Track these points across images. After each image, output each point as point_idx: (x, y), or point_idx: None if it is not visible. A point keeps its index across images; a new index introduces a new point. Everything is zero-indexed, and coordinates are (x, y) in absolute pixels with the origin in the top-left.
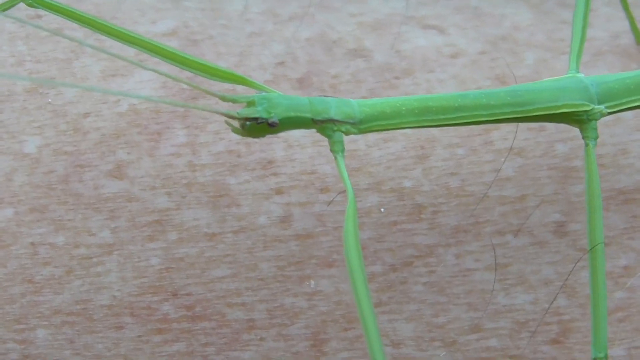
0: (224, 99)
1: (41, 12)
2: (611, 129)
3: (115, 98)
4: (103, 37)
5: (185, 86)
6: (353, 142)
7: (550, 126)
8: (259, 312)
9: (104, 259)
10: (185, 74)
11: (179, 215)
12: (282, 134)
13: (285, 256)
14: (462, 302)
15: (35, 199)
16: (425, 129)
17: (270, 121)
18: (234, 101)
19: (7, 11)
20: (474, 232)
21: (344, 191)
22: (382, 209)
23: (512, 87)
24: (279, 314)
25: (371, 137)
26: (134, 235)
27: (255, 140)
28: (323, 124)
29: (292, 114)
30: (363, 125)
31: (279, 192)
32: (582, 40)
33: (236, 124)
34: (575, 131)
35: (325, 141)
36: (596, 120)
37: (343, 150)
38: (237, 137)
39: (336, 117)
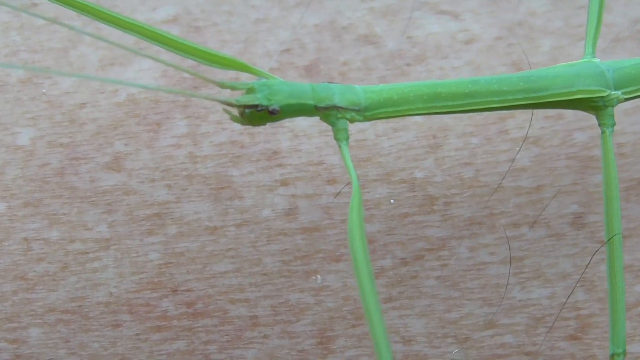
0: (222, 85)
1: (36, 0)
2: (631, 117)
3: (113, 87)
4: (101, 25)
5: (186, 75)
6: (361, 131)
7: (568, 114)
8: (263, 308)
9: (100, 254)
10: (187, 63)
11: (179, 208)
12: (288, 124)
13: (290, 250)
14: (476, 297)
15: (28, 193)
16: (438, 117)
17: (270, 108)
18: (232, 88)
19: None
20: (488, 224)
21: None
22: (392, 201)
23: (525, 73)
24: (284, 310)
25: (380, 126)
26: (132, 230)
27: (260, 130)
28: (326, 111)
29: (294, 101)
30: (368, 112)
31: (284, 183)
32: (599, 23)
33: (235, 112)
34: (594, 119)
35: None
36: (613, 106)
37: (347, 138)
38: (240, 127)
39: (340, 104)
